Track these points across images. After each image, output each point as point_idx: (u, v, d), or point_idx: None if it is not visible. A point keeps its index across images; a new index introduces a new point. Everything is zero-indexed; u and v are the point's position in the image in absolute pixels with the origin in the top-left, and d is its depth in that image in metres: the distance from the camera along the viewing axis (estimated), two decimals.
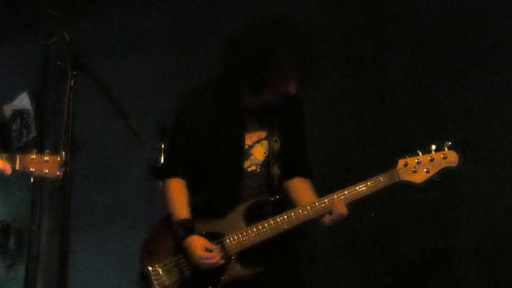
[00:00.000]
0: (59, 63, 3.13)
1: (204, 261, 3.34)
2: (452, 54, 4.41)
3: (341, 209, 3.37)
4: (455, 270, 4.31)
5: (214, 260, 3.34)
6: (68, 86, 2.82)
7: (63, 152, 2.91)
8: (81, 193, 5.16)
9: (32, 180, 5.64)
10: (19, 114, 5.91)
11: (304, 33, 3.42)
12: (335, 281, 4.50)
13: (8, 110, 6.02)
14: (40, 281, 5.74)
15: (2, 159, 3.08)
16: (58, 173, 3.02)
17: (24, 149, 5.88)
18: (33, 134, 5.86)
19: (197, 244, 3.36)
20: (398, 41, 4.64)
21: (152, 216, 4.78)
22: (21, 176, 3.20)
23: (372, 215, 3.46)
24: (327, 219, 3.39)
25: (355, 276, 4.53)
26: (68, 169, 2.91)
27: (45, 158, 3.16)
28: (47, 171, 3.16)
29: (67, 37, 2.86)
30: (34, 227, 5.73)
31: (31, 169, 3.17)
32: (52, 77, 6.07)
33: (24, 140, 5.91)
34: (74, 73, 2.82)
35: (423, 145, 3.44)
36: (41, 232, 5.80)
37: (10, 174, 3.17)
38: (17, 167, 3.16)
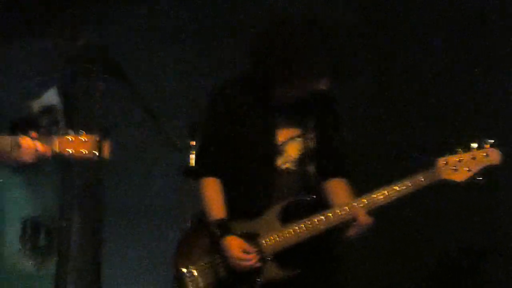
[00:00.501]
0: (88, 65, 3.10)
1: (240, 262, 3.29)
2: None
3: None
4: (491, 273, 4.24)
5: (251, 262, 3.29)
6: (97, 89, 2.76)
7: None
8: (111, 190, 5.14)
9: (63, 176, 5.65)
10: (48, 110, 5.87)
11: (334, 29, 3.36)
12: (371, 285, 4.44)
13: (36, 105, 5.98)
14: (71, 279, 5.71)
15: (41, 142, 3.09)
16: (96, 152, 3.09)
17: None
18: (63, 131, 5.80)
19: (234, 244, 3.31)
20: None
21: (185, 215, 4.71)
22: (60, 159, 3.21)
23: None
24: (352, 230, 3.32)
25: (389, 280, 4.47)
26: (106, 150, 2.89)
27: (83, 139, 3.18)
28: (85, 151, 3.18)
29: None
30: (64, 224, 5.70)
31: (69, 150, 3.19)
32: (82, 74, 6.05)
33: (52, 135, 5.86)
34: (105, 76, 2.76)
35: (463, 144, 3.33)
36: (71, 229, 5.77)
37: (49, 157, 3.17)
38: (56, 148, 3.17)
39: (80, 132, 3.15)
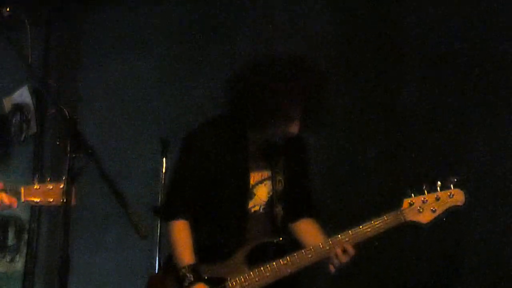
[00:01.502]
0: (57, 143, 3.07)
1: None
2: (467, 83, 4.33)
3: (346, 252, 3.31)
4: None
5: None
6: (67, 167, 2.73)
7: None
8: (81, 192, 5.12)
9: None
10: (19, 108, 5.83)
11: (310, 74, 3.35)
12: None
13: (7, 103, 5.93)
14: (39, 277, 5.72)
15: (6, 194, 3.07)
16: (62, 200, 2.97)
17: (24, 144, 5.84)
18: (33, 130, 5.77)
19: None
20: (409, 67, 4.55)
21: (154, 220, 4.71)
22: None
23: (375, 243, 3.37)
24: (331, 266, 3.33)
25: None
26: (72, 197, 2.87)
27: (48, 187, 3.17)
28: (51, 199, 3.17)
29: (66, 113, 2.77)
30: (33, 225, 5.69)
31: (36, 200, 3.18)
32: (53, 72, 6.00)
33: (24, 135, 5.83)
34: (74, 155, 2.72)
35: (429, 180, 3.35)
36: (40, 229, 5.76)
37: (16, 207, 3.17)
38: (23, 199, 3.16)
39: (46, 181, 3.13)
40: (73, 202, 2.76)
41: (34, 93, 5.81)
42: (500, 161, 4.20)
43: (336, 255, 3.31)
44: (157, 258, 4.54)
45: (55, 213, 5.68)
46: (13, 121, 5.87)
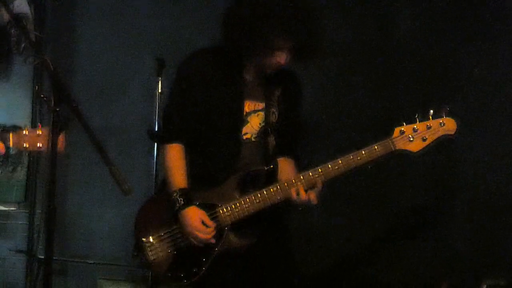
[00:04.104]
0: (41, 96, 3.02)
1: (197, 233, 3.36)
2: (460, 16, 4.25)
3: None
4: (449, 232, 4.35)
5: (208, 236, 3.37)
6: (52, 121, 2.70)
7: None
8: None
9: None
10: (18, 17, 5.72)
11: (299, 6, 3.31)
12: (326, 256, 4.55)
13: (5, 13, 5.82)
14: (40, 185, 5.80)
15: None
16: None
17: (23, 55, 5.79)
18: (32, 39, 5.69)
19: (195, 215, 3.37)
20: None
21: (148, 142, 4.73)
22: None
23: (369, 167, 3.39)
24: (312, 195, 3.36)
25: (345, 245, 4.58)
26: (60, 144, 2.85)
27: (38, 132, 3.16)
28: (40, 145, 3.17)
29: (50, 65, 2.71)
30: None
31: (24, 145, 3.18)
32: None
33: (23, 44, 5.76)
34: (57, 109, 2.68)
35: (422, 110, 3.34)
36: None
37: (4, 153, 3.17)
38: (11, 144, 3.16)
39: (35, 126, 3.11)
40: (62, 149, 2.77)
41: (32, 2, 5.72)
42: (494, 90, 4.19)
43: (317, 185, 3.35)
44: (153, 183, 4.61)
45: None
46: (12, 32, 5.79)
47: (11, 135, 3.18)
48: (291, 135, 3.61)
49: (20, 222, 5.81)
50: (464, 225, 4.33)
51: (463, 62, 4.31)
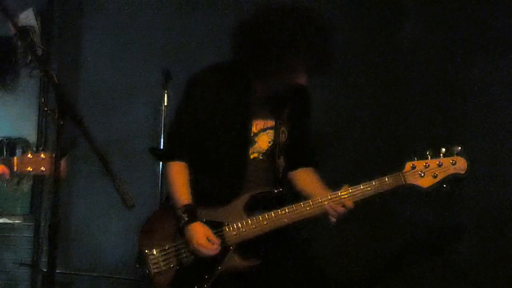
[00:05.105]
0: (45, 109, 3.01)
1: (203, 250, 3.33)
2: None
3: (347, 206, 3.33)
4: (455, 247, 4.32)
5: (212, 252, 3.34)
6: (56, 134, 2.69)
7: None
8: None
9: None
10: (25, 30, 5.73)
11: (316, 24, 3.26)
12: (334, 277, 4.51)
13: (12, 26, 5.83)
14: (46, 198, 5.80)
15: (0, 163, 3.10)
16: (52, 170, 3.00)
17: (29, 68, 5.80)
18: (39, 52, 5.70)
19: (200, 231, 3.34)
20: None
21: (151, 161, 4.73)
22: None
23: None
24: (331, 217, 3.34)
25: (349, 258, 4.55)
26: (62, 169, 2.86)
27: (41, 156, 3.19)
28: (43, 168, 3.20)
29: (55, 77, 2.70)
30: (40, 148, 5.72)
31: (28, 169, 3.21)
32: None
33: (30, 57, 5.77)
34: (61, 123, 2.67)
35: (434, 147, 3.33)
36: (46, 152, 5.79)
37: (9, 177, 3.20)
38: (15, 169, 3.19)
39: (39, 150, 3.14)
40: (63, 174, 2.77)
41: (39, 14, 5.73)
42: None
43: (335, 210, 3.32)
44: (159, 196, 4.60)
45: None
46: (19, 44, 5.80)
47: (15, 159, 3.23)
48: (305, 147, 3.59)
49: (25, 235, 5.81)
50: (470, 238, 4.29)
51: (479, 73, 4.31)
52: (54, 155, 2.69)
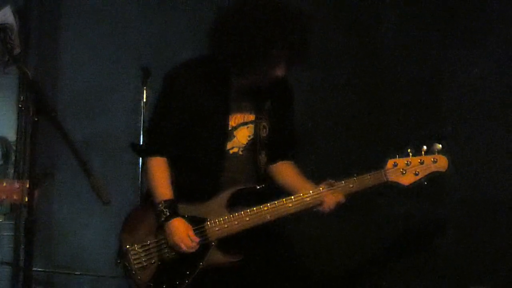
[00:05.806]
0: (19, 106, 3.00)
1: (181, 244, 3.34)
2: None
3: (332, 200, 3.36)
4: (435, 240, 4.36)
5: (190, 250, 3.35)
6: (31, 130, 2.70)
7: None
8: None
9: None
10: (2, 28, 5.70)
11: (294, 15, 3.27)
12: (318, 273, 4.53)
13: None
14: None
15: None
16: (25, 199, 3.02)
17: (8, 66, 5.75)
18: (17, 50, 5.67)
19: (180, 227, 3.36)
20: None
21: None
22: None
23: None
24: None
25: (337, 261, 4.57)
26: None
27: (16, 186, 3.20)
28: (16, 197, 3.21)
29: (29, 75, 2.70)
30: (20, 146, 5.69)
31: (2, 196, 3.22)
32: None
33: (7, 56, 5.73)
34: (36, 119, 2.68)
35: (415, 144, 3.38)
36: (27, 150, 5.76)
37: None
38: None
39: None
40: (35, 203, 2.80)
41: (17, 12, 5.70)
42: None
43: (321, 205, 3.37)
44: (139, 193, 4.59)
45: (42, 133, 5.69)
46: None
47: None
48: (285, 140, 3.61)
49: (5, 234, 5.77)
50: (449, 231, 4.34)
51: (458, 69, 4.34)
52: (28, 184, 2.74)
